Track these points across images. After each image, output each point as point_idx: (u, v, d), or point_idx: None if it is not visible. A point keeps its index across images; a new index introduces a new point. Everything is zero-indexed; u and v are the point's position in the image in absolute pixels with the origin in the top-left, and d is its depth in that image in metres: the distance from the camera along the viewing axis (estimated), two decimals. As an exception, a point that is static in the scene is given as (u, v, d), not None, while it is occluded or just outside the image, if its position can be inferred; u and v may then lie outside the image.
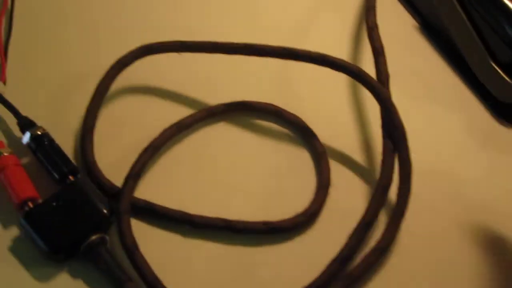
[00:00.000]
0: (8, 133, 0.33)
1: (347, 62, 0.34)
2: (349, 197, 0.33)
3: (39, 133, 0.32)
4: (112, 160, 0.33)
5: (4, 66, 0.35)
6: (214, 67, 0.37)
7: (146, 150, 0.32)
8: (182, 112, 0.35)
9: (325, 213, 0.32)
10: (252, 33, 0.39)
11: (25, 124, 0.32)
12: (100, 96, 0.34)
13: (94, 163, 0.32)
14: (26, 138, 0.32)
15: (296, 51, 0.34)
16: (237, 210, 0.31)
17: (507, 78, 0.36)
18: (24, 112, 0.33)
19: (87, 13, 0.40)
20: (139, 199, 0.31)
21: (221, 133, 0.35)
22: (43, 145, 0.32)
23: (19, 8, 0.38)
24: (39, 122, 0.32)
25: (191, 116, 0.35)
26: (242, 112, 0.36)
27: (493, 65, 0.36)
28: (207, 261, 0.30)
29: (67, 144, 0.33)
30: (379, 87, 0.33)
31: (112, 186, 0.32)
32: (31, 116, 0.33)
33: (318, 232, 0.32)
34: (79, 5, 0.40)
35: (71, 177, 0.31)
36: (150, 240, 0.30)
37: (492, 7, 0.36)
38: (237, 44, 0.34)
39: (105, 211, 0.30)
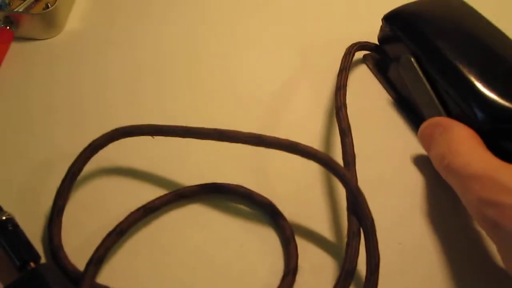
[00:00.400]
0: None
1: (316, 150, 0.32)
2: (316, 282, 0.32)
3: (3, 218, 0.33)
4: (79, 243, 0.33)
5: None
6: (186, 149, 0.37)
7: (109, 235, 0.32)
8: (153, 194, 0.35)
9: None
10: (229, 106, 0.39)
11: None
12: (72, 178, 0.35)
13: (59, 247, 0.33)
14: None
15: (266, 139, 0.33)
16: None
17: None
18: None
19: (56, 98, 0.41)
20: (100, 285, 0.31)
21: (190, 215, 0.35)
22: (6, 230, 0.32)
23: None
24: (9, 207, 0.33)
25: (159, 198, 0.34)
26: (212, 195, 0.35)
27: None
28: None
29: (36, 228, 0.34)
30: (347, 177, 0.31)
31: (76, 271, 0.32)
32: (2, 201, 0.34)
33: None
34: (49, 90, 0.42)
35: (32, 264, 0.31)
36: None
37: (456, 82, 0.34)
38: (208, 129, 0.34)
39: None
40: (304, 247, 0.33)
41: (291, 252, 0.32)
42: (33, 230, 0.34)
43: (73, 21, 0.47)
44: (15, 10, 0.45)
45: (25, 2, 0.45)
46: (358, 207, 0.31)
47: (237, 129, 0.33)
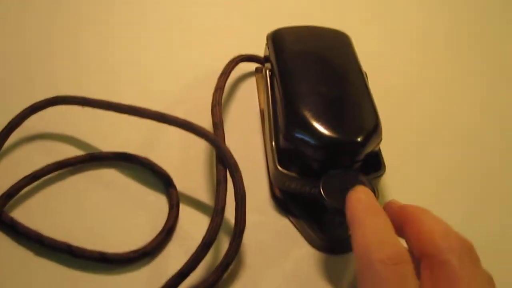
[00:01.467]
0: None
1: (206, 130, 0.38)
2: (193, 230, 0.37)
3: None
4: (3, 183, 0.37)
5: None
6: (106, 121, 0.42)
7: (24, 178, 0.37)
8: (72, 154, 0.39)
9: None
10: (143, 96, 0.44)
11: None
12: (10, 130, 0.39)
13: None
14: None
15: (167, 117, 0.39)
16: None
17: (277, 163, 0.38)
18: None
19: None
20: (7, 215, 0.35)
21: (100, 176, 0.39)
22: None
23: None
24: None
25: (74, 157, 0.39)
26: (122, 162, 0.40)
27: (273, 146, 0.39)
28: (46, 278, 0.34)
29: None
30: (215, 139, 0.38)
31: None
32: None
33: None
34: None
35: None
36: (4, 250, 0.34)
37: (284, 90, 0.39)
38: (124, 105, 0.39)
39: None
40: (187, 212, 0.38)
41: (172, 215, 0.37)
42: None
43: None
44: None
45: None
46: (224, 158, 0.37)
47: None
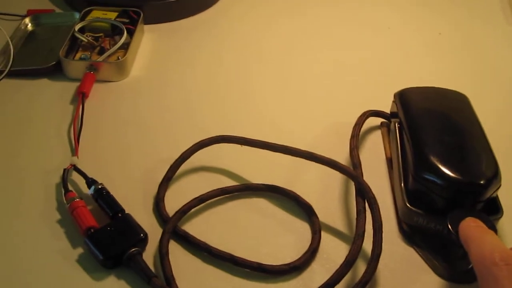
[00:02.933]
0: (79, 189, 0.47)
1: (349, 167, 0.45)
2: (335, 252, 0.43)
3: (99, 187, 0.45)
4: (174, 203, 0.45)
5: (77, 147, 0.50)
6: (259, 157, 0.49)
7: (193, 200, 0.45)
8: (230, 183, 0.48)
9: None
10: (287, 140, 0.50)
11: (91, 182, 0.46)
12: (182, 160, 0.48)
13: (161, 199, 0.46)
14: (91, 190, 0.45)
15: (316, 156, 0.46)
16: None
17: (406, 201, 0.44)
18: (90, 175, 0.46)
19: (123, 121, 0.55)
20: (180, 228, 0.43)
21: (252, 203, 0.47)
22: (102, 194, 0.44)
23: (87, 112, 0.54)
24: (102, 176, 0.46)
25: (233, 186, 0.47)
26: (271, 193, 0.47)
27: (402, 187, 0.45)
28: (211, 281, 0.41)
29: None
30: (355, 174, 0.45)
31: (167, 215, 0.44)
32: (97, 175, 0.46)
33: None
34: (119, 117, 0.55)
35: (119, 214, 0.43)
36: (177, 256, 0.42)
37: (413, 140, 0.45)
38: (278, 144, 0.47)
39: (141, 234, 0.42)
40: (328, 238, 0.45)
41: (316, 236, 0.44)
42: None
43: (136, 70, 0.61)
44: (96, 60, 0.59)
45: (103, 55, 0.59)
46: (364, 192, 0.43)
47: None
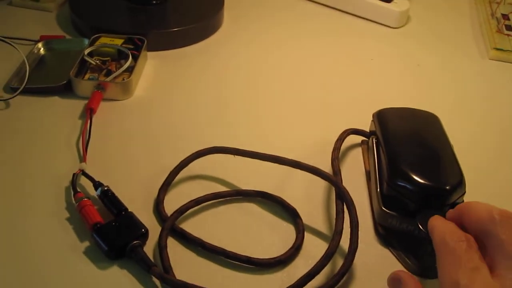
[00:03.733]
0: (87, 191, 0.51)
1: (330, 174, 0.51)
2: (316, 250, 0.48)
3: (105, 189, 0.50)
4: (172, 204, 0.50)
5: (85, 155, 0.55)
6: (249, 165, 0.55)
7: (190, 201, 0.50)
8: (223, 188, 0.53)
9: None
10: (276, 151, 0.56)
11: (97, 185, 0.50)
12: (181, 167, 0.53)
13: (161, 201, 0.50)
14: (97, 192, 0.50)
15: (301, 164, 0.52)
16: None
17: (381, 205, 0.49)
18: (97, 178, 0.51)
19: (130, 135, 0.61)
20: (178, 226, 0.48)
21: (243, 207, 0.52)
22: (107, 195, 0.50)
23: (95, 126, 0.60)
24: (108, 181, 0.51)
25: (226, 191, 0.52)
26: (260, 198, 0.52)
27: (378, 192, 0.50)
28: (205, 272, 0.45)
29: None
30: (335, 180, 0.50)
31: (166, 215, 0.49)
32: (103, 179, 0.51)
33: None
34: (126, 132, 0.60)
35: (123, 212, 0.48)
36: (175, 250, 0.46)
37: (388, 152, 0.51)
38: (267, 154, 0.53)
39: (143, 229, 0.47)
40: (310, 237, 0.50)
41: (299, 236, 0.49)
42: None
43: (140, 90, 0.67)
44: (104, 80, 0.64)
45: (110, 76, 0.64)
46: (342, 195, 0.49)
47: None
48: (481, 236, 0.36)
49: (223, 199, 0.52)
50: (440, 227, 0.39)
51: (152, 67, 0.71)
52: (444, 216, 0.42)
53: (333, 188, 0.51)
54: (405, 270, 0.46)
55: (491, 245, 0.35)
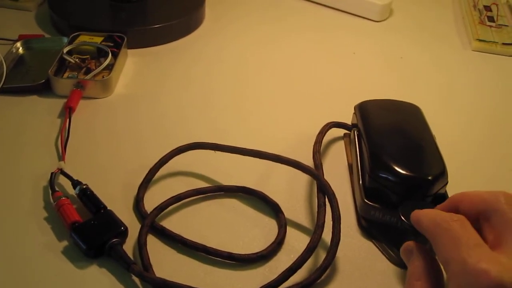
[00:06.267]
0: (65, 190, 0.51)
1: (311, 167, 0.51)
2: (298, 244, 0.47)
3: (84, 187, 0.49)
4: (153, 202, 0.49)
5: (64, 154, 0.54)
6: (230, 160, 0.54)
7: (170, 198, 0.49)
8: (205, 184, 0.52)
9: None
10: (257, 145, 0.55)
11: (76, 183, 0.50)
12: (161, 164, 0.52)
13: (141, 198, 0.50)
14: (76, 190, 0.49)
15: (282, 158, 0.51)
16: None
17: (364, 197, 0.48)
18: (76, 177, 0.51)
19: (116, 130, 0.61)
20: (158, 224, 0.48)
21: (225, 203, 0.51)
22: (86, 193, 0.49)
23: (74, 125, 0.59)
24: (87, 180, 0.50)
25: (207, 187, 0.52)
26: (242, 193, 0.52)
27: (360, 185, 0.50)
28: (185, 269, 0.44)
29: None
30: (316, 173, 0.50)
31: (146, 212, 0.48)
32: (82, 178, 0.50)
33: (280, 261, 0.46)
34: (109, 128, 0.60)
35: (102, 210, 0.47)
36: (155, 248, 0.46)
37: (369, 143, 0.50)
38: (247, 149, 0.52)
39: (122, 227, 0.46)
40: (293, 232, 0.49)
41: (281, 230, 0.48)
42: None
43: (120, 87, 0.66)
44: (83, 78, 0.63)
45: (90, 74, 0.63)
46: (324, 188, 0.48)
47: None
48: (484, 216, 0.36)
49: (204, 195, 0.51)
50: (428, 213, 0.38)
51: (133, 64, 0.70)
52: (427, 206, 0.42)
53: (315, 182, 0.51)
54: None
55: (498, 223, 0.34)
